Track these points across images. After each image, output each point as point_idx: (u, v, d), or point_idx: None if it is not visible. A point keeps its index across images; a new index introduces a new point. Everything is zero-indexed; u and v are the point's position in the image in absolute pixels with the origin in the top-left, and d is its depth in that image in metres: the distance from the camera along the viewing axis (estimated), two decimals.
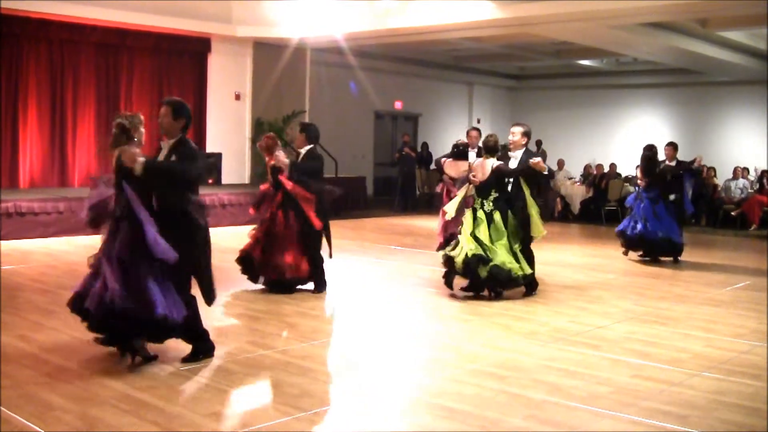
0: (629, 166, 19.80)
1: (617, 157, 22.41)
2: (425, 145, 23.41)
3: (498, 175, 9.34)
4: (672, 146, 13.12)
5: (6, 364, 6.21)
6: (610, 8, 14.33)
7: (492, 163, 9.35)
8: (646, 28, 16.70)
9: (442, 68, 26.21)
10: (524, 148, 9.63)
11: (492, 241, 9.19)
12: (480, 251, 9.10)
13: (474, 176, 9.45)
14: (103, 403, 5.38)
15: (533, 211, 9.48)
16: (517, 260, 9.28)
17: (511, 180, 9.50)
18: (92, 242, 7.38)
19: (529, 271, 9.39)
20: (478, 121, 28.37)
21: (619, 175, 20.52)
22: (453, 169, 10.42)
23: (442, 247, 10.67)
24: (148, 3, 16.53)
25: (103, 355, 6.55)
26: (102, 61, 17.24)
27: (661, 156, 12.95)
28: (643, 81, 25.95)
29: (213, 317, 8.23)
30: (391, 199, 22.45)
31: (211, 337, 6.74)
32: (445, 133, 25.98)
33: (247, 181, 19.25)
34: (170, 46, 18.08)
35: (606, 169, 20.88)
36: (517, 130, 9.66)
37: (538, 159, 9.21)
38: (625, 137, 25.98)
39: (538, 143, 24.92)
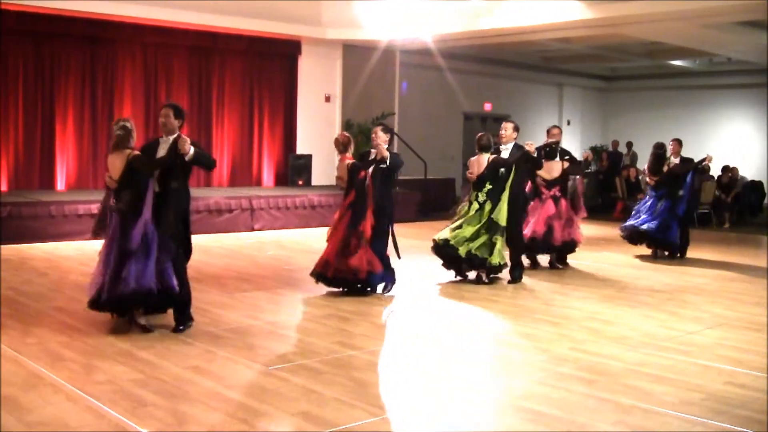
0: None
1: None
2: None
3: (494, 167, 10.15)
4: (677, 142, 13.37)
5: (101, 360, 6.40)
6: (703, 7, 14.05)
7: (488, 157, 10.25)
8: (740, 26, 16.32)
9: (532, 69, 26.03)
10: (514, 142, 10.60)
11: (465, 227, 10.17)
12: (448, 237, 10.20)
13: (471, 173, 10.34)
14: (194, 400, 5.50)
15: (504, 197, 10.09)
16: (491, 250, 10.05)
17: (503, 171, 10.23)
18: None
19: (500, 262, 10.13)
20: (568, 123, 28.08)
21: (713, 177, 19.99)
22: (546, 169, 11.60)
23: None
24: (239, 6, 16.82)
25: (193, 352, 6.70)
26: (194, 64, 17.61)
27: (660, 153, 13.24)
28: (738, 81, 25.31)
29: (302, 317, 8.33)
30: None
31: (300, 337, 6.76)
32: (534, 135, 25.77)
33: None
34: (261, 49, 18.33)
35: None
36: (509, 126, 10.63)
37: (530, 142, 10.59)
38: (719, 138, 25.40)
39: (629, 145, 24.57)
